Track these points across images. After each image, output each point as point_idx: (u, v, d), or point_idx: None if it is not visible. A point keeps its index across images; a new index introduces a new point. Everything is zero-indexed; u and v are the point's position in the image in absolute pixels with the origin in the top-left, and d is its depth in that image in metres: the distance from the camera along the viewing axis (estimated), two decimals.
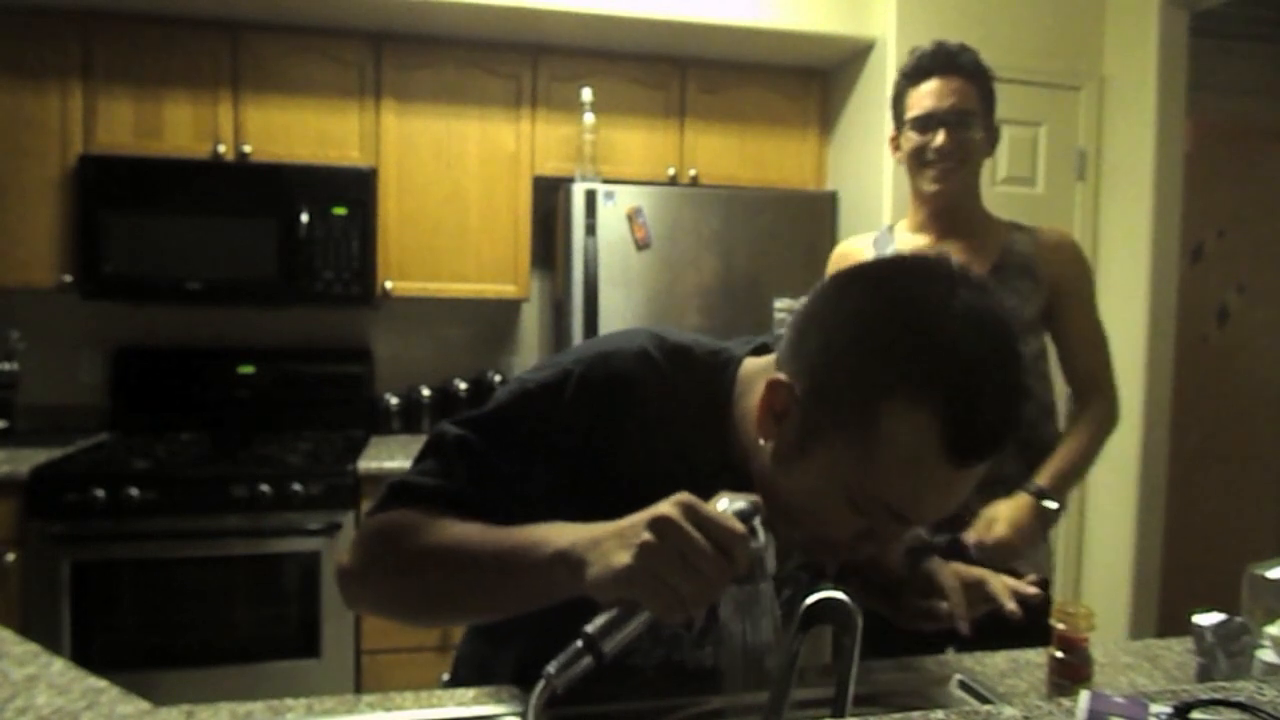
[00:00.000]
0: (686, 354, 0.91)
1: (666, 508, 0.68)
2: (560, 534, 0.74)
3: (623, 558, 0.67)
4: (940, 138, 1.62)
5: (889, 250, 1.75)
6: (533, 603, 0.77)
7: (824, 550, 0.84)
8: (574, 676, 0.66)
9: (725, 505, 0.72)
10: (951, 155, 1.64)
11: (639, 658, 0.97)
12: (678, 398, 0.89)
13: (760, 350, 0.94)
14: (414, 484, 0.87)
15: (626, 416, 0.87)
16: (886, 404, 0.74)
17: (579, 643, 0.67)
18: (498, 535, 0.79)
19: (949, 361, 0.73)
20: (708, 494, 0.72)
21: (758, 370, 0.89)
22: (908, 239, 1.76)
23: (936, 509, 0.79)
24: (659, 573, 0.66)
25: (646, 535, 0.67)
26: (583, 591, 0.70)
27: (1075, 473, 1.65)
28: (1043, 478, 1.59)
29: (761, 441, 0.83)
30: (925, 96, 1.65)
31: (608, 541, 0.70)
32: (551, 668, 0.66)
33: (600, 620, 0.67)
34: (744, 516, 0.71)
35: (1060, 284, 1.70)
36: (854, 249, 1.83)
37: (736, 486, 0.74)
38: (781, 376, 0.81)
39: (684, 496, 0.69)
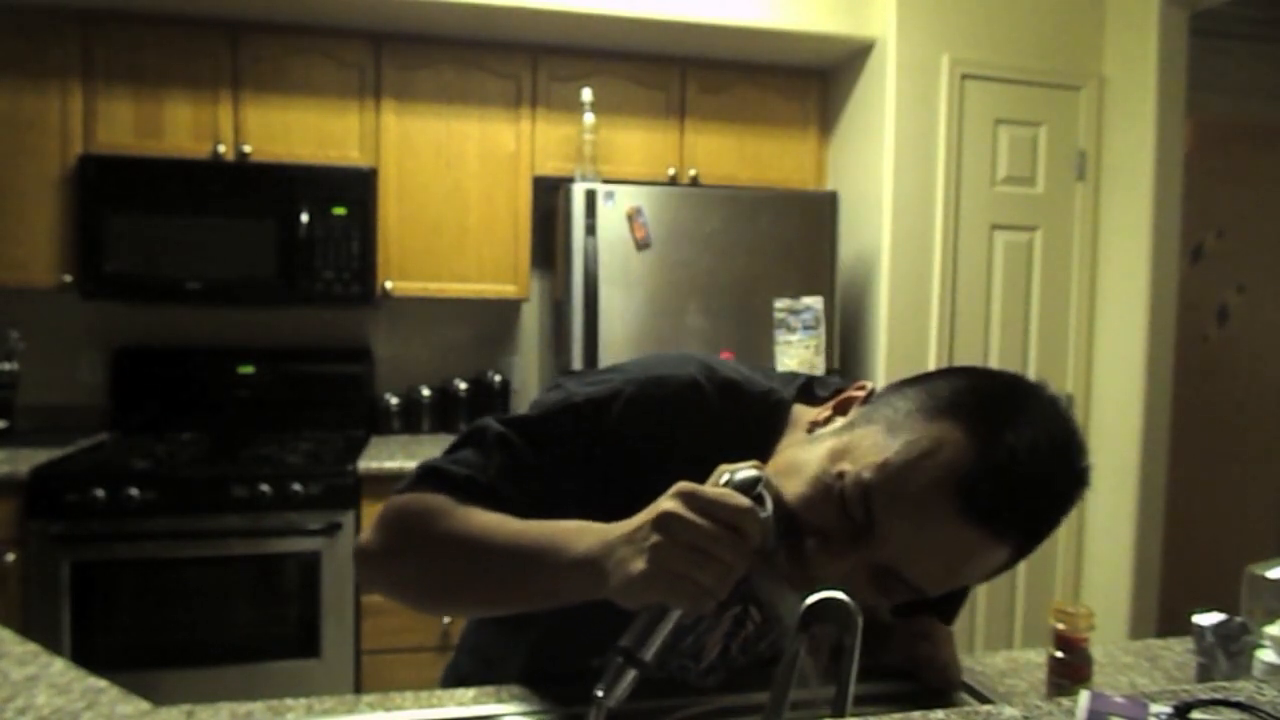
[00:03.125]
0: (736, 390, 0.91)
1: (667, 503, 0.67)
2: (579, 539, 0.73)
3: (638, 564, 0.66)
4: None
5: None
6: (551, 604, 0.77)
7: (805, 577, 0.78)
8: (623, 693, 0.65)
9: (726, 479, 0.70)
10: None
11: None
12: (723, 431, 0.88)
13: (805, 389, 0.94)
14: (446, 470, 0.87)
15: (670, 442, 0.87)
16: (934, 421, 0.73)
17: (618, 658, 0.66)
18: (520, 532, 0.78)
19: (1013, 434, 0.71)
20: None
21: (806, 415, 0.89)
22: None
23: (931, 558, 0.74)
24: (676, 570, 0.65)
25: (655, 537, 0.66)
26: (605, 596, 0.70)
27: None
28: None
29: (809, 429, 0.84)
30: None
31: (621, 549, 0.69)
32: (599, 690, 0.65)
33: (633, 630, 0.67)
34: (747, 487, 0.69)
35: None
36: None
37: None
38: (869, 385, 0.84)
39: (682, 486, 0.68)
